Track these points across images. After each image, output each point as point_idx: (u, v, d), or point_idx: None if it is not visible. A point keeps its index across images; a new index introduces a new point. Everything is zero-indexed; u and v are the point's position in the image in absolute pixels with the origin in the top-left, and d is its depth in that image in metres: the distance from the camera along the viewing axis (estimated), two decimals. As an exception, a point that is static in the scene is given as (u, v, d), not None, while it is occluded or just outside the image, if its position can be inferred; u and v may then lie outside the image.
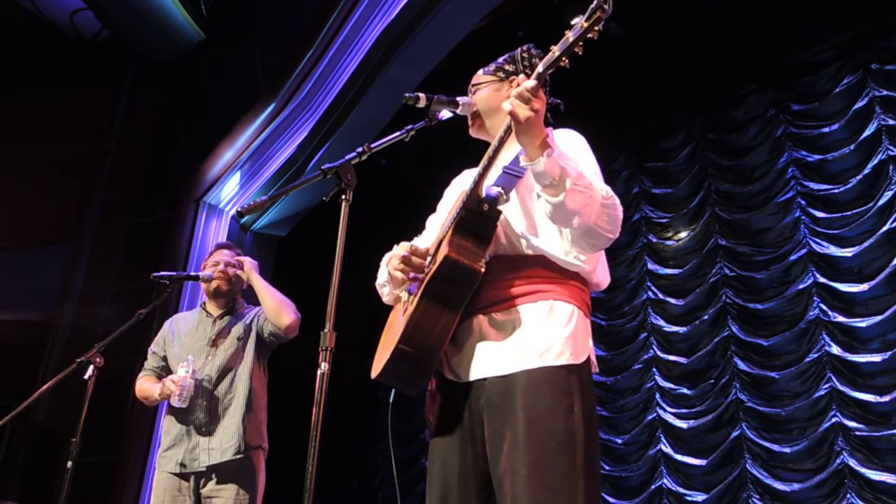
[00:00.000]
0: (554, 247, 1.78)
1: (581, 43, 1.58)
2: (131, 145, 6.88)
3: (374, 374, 1.84)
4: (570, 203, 1.62)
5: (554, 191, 1.63)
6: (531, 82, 1.61)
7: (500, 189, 1.74)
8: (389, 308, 2.06)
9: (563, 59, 1.61)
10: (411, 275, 1.81)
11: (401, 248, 1.85)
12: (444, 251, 1.72)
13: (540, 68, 1.63)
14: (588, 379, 1.73)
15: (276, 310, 3.19)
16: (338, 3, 5.15)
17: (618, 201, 1.72)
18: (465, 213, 1.74)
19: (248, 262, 3.35)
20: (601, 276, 1.88)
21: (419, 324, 1.71)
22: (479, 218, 1.73)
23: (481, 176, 1.78)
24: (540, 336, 1.71)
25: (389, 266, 1.88)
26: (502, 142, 1.78)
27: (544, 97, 1.64)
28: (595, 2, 1.53)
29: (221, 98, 6.32)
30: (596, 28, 1.56)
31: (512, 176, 1.81)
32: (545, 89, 1.94)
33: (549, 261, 1.78)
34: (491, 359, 1.73)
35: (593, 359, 1.80)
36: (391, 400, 1.88)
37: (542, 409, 1.63)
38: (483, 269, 1.71)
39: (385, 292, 2.02)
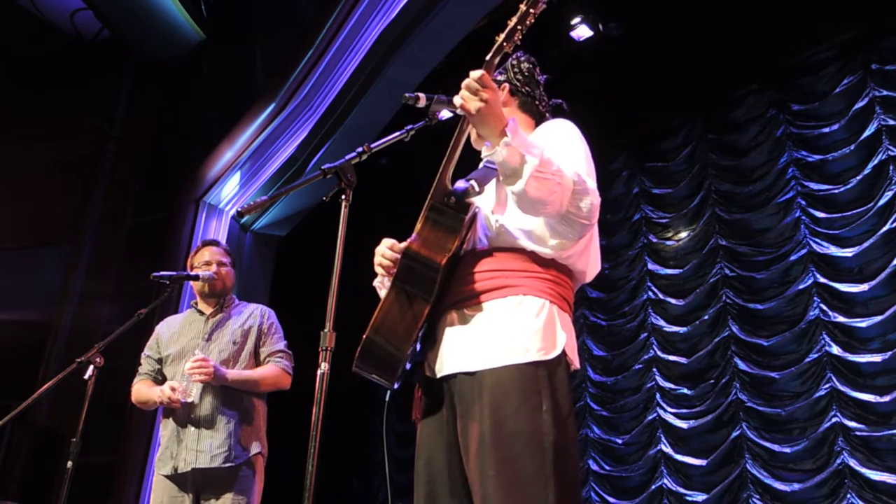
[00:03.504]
0: (529, 237, 1.75)
1: (521, 27, 1.67)
2: (131, 145, 6.88)
3: (353, 367, 1.84)
4: (533, 191, 1.59)
5: (514, 179, 1.61)
6: (477, 72, 1.62)
7: (471, 182, 1.73)
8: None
9: (507, 44, 1.67)
10: (392, 270, 1.80)
11: (381, 245, 1.85)
12: (407, 243, 1.73)
13: (487, 57, 1.68)
14: (562, 374, 1.68)
15: (273, 388, 3.22)
16: (338, 3, 5.14)
17: (591, 186, 1.69)
18: (432, 205, 1.73)
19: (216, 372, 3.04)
20: (585, 263, 1.84)
21: (387, 316, 1.70)
22: (445, 210, 1.71)
23: (444, 169, 1.77)
24: (506, 333, 1.68)
25: (375, 263, 1.88)
26: (461, 133, 1.78)
27: (495, 87, 1.65)
28: None
29: (221, 98, 6.32)
30: (533, 11, 1.66)
31: (489, 169, 1.80)
32: (522, 86, 2.00)
33: (525, 253, 1.75)
34: (459, 355, 1.72)
35: (572, 354, 1.74)
36: (387, 398, 1.88)
37: (508, 408, 1.61)
38: (444, 262, 1.67)
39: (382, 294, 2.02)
